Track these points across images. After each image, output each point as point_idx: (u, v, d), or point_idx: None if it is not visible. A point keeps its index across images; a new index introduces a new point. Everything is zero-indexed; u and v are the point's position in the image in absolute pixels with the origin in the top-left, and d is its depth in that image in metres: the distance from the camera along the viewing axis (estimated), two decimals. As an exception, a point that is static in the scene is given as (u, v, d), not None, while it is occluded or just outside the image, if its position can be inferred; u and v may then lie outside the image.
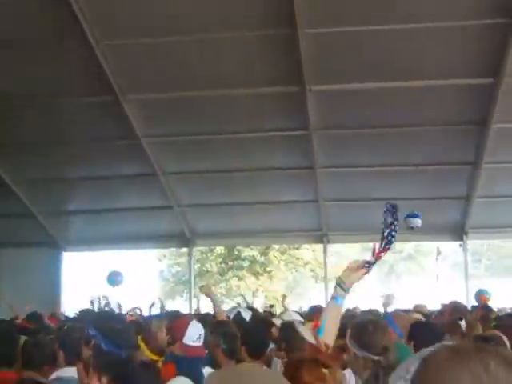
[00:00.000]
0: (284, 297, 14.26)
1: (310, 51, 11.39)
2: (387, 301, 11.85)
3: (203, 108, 13.09)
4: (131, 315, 11.73)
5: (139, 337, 6.65)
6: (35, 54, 11.68)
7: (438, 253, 16.62)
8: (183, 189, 15.68)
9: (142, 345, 6.54)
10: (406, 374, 1.33)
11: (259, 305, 25.94)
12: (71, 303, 16.63)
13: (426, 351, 1.35)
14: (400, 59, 11.78)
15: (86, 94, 12.71)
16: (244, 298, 16.97)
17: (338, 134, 13.73)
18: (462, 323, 7.14)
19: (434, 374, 1.28)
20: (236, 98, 12.84)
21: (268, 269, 34.38)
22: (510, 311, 12.63)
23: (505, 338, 5.42)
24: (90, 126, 13.56)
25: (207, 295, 8.79)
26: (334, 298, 3.83)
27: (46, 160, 14.59)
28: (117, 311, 12.44)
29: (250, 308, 11.18)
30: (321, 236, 16.77)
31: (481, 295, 14.99)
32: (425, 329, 5.80)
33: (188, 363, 5.30)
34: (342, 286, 3.81)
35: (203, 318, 7.50)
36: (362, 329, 4.34)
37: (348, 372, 5.10)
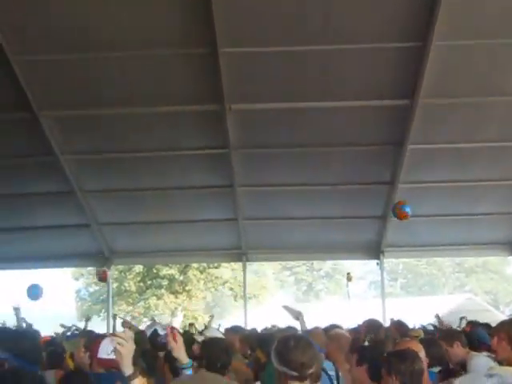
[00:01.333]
0: (211, 317, 14.65)
1: (230, 70, 11.45)
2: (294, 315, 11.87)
3: (122, 126, 12.99)
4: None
5: (67, 355, 6.65)
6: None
7: (349, 278, 16.80)
8: (101, 207, 15.48)
9: (70, 362, 6.50)
10: None
11: (178, 324, 25.71)
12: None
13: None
14: (317, 80, 11.94)
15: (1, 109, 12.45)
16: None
17: (256, 153, 13.80)
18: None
19: None
20: (155, 116, 12.78)
21: (187, 288, 34.21)
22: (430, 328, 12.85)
23: (421, 353, 5.52)
24: (3, 141, 13.27)
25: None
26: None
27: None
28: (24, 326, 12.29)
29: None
30: (240, 254, 16.77)
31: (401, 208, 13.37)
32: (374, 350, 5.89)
33: (103, 379, 5.29)
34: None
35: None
36: (284, 343, 4.35)
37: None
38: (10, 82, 11.73)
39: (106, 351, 5.50)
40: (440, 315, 13.52)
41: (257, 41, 11.07)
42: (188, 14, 10.57)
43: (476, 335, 8.57)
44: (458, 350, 7.24)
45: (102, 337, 6.16)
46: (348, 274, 16.87)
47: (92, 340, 6.16)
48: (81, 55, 11.30)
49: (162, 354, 7.23)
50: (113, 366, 5.46)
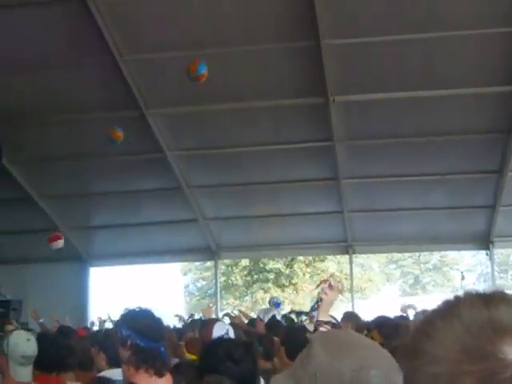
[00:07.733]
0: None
1: (333, 62, 11.43)
2: (404, 308, 11.87)
3: (226, 121, 13.15)
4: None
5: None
6: (60, 69, 11.82)
7: (462, 277, 16.61)
8: (208, 202, 15.71)
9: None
10: None
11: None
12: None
13: None
14: (422, 68, 11.79)
15: (111, 109, 12.79)
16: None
17: (361, 145, 13.73)
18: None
19: None
20: (259, 111, 12.89)
21: (293, 281, 34.30)
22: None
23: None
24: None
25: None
26: None
27: (72, 175, 14.72)
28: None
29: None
30: (346, 247, 16.72)
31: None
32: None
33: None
34: None
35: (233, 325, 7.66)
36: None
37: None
38: (118, 82, 12.06)
39: (219, 334, 5.62)
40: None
41: (359, 31, 11.02)
42: (290, 7, 10.61)
43: None
44: None
45: (213, 321, 6.34)
46: (462, 273, 16.71)
47: (204, 326, 6.35)
48: (185, 53, 11.43)
49: (276, 339, 7.36)
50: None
